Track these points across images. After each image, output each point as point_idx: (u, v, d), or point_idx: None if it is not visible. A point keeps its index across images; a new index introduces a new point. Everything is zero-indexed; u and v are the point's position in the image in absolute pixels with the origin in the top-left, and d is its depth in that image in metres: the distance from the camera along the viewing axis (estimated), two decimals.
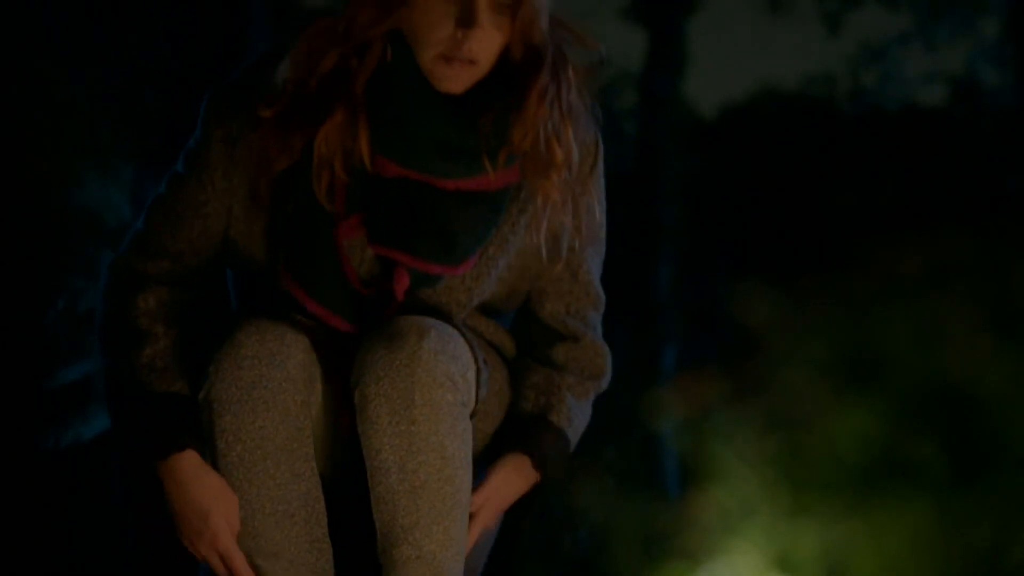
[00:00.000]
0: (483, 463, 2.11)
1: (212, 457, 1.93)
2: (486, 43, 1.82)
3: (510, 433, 2.12)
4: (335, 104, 1.86)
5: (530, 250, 2.04)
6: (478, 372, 1.97)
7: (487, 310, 2.11)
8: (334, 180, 1.91)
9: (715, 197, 11.68)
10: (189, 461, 1.91)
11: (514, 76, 1.87)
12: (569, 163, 1.94)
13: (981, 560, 2.05)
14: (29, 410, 3.40)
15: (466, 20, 1.79)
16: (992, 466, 2.11)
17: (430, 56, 1.84)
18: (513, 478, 2.07)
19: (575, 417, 2.15)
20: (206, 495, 1.89)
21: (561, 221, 2.01)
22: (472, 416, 1.97)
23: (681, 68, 9.15)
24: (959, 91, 11.49)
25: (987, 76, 11.35)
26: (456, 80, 1.83)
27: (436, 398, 1.86)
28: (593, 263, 2.14)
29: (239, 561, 1.91)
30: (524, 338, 2.19)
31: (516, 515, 2.15)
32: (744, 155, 12.21)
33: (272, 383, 1.89)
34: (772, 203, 11.54)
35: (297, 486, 1.92)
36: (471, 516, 1.99)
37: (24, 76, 3.57)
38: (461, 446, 1.90)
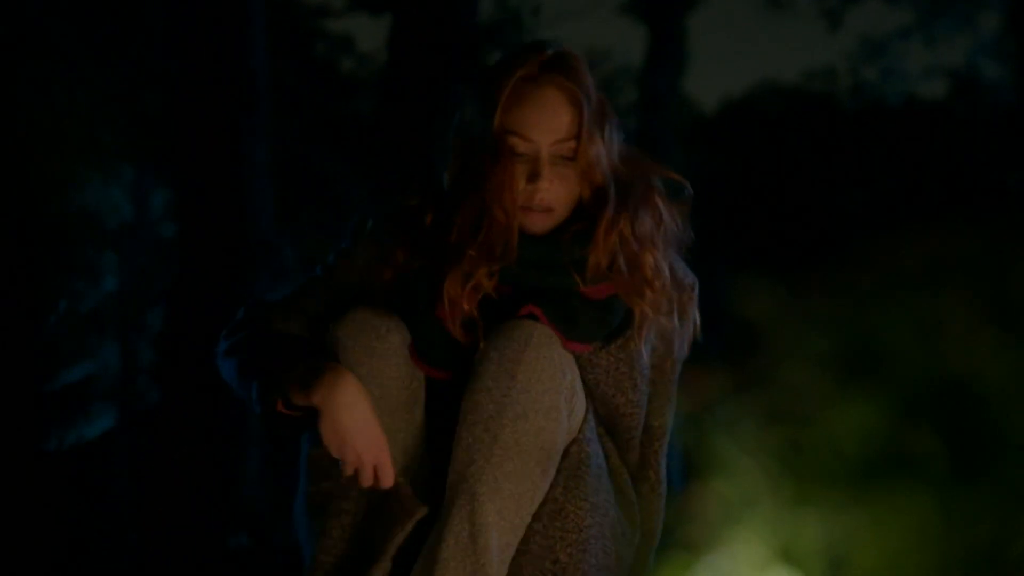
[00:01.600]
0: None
1: None
2: (555, 192, 2.11)
3: None
4: (451, 251, 2.16)
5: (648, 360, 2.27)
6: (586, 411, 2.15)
7: (614, 429, 2.25)
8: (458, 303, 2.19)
9: (716, 192, 11.68)
10: (355, 380, 2.04)
11: (587, 212, 2.13)
12: (661, 281, 2.19)
13: (983, 552, 2.05)
14: (32, 412, 3.41)
15: (532, 175, 2.10)
16: (994, 460, 2.12)
17: (516, 207, 2.13)
18: None
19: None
20: (371, 409, 2.04)
21: (667, 326, 2.22)
22: (572, 443, 2.12)
23: (681, 64, 9.16)
24: (959, 86, 11.50)
25: (987, 71, 11.36)
26: (537, 225, 2.11)
27: (542, 368, 2.02)
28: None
29: (391, 474, 2.03)
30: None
31: None
32: (745, 150, 12.21)
33: (372, 338, 2.08)
34: (773, 198, 11.55)
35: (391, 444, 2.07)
36: None
37: (25, 79, 3.58)
38: (550, 432, 2.02)
